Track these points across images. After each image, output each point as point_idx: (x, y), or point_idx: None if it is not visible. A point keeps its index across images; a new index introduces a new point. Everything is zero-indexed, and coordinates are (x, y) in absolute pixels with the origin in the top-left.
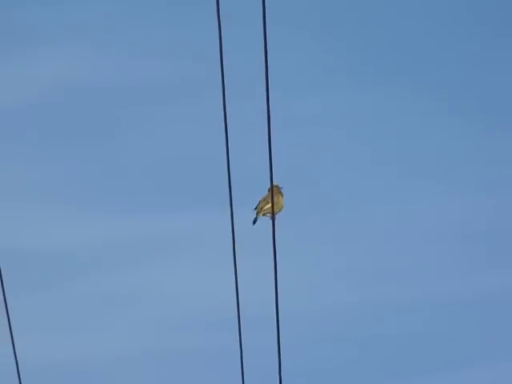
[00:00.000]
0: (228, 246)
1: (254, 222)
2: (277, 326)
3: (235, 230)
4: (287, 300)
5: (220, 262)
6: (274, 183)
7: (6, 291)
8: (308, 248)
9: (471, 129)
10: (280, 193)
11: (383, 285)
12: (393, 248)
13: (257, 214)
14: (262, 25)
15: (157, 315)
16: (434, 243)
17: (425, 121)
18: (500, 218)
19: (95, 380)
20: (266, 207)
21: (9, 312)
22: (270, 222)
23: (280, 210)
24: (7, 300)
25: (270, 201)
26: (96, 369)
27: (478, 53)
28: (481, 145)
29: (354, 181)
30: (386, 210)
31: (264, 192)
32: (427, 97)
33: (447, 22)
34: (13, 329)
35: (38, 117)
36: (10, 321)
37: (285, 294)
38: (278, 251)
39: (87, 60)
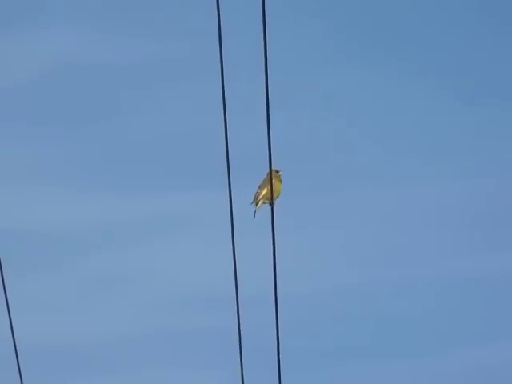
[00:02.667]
0: (227, 225)
1: (254, 214)
2: (275, 306)
3: (234, 210)
4: (286, 280)
5: (219, 242)
6: (274, 168)
7: (4, 272)
8: (307, 228)
9: (472, 108)
10: (278, 178)
11: (384, 265)
12: (393, 228)
13: (256, 204)
14: (261, 4)
15: (156, 295)
16: (435, 223)
17: (425, 101)
18: (502, 197)
19: (95, 360)
20: (262, 193)
21: (7, 293)
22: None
23: (278, 196)
24: (5, 281)
25: (266, 187)
26: (96, 349)
27: (470, 29)
28: (481, 123)
29: (353, 161)
30: (385, 190)
31: (263, 173)
32: (427, 77)
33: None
34: (11, 309)
35: (38, 96)
36: (8, 301)
37: (284, 274)
38: (277, 231)
39: (88, 39)
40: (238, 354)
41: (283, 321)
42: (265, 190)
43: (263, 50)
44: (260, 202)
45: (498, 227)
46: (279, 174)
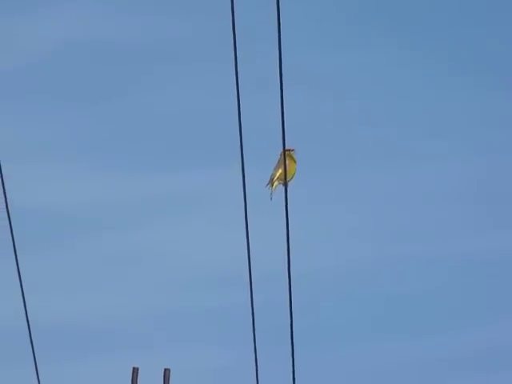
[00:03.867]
0: (240, 204)
1: (271, 197)
2: (289, 284)
3: (247, 189)
4: (299, 258)
5: (232, 221)
6: (287, 147)
7: (17, 249)
8: (320, 207)
9: (476, 89)
10: (292, 158)
11: (395, 243)
12: (404, 207)
13: (271, 185)
14: None
15: (168, 275)
16: (443, 202)
17: (426, 81)
18: (504, 175)
19: (107, 339)
20: (277, 175)
21: (20, 270)
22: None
23: (293, 176)
24: (18, 258)
25: (281, 168)
26: (108, 328)
27: (476, 11)
28: (483, 104)
29: (365, 140)
30: (396, 169)
31: (277, 151)
32: (428, 57)
33: None
34: (24, 287)
35: (50, 76)
36: (22, 279)
37: (297, 252)
38: (289, 209)
39: (98, 19)
40: (252, 331)
41: (296, 299)
42: (279, 171)
43: (277, 31)
44: (275, 183)
45: (503, 205)
46: (292, 152)
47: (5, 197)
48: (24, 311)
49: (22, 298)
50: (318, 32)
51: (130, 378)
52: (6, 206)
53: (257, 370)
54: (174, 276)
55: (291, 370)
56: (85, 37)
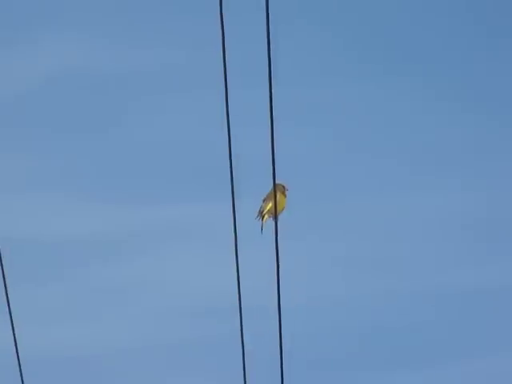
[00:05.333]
0: (230, 236)
1: (262, 230)
2: (278, 316)
3: (237, 221)
4: (289, 291)
5: (222, 253)
6: (280, 183)
7: (7, 281)
8: (308, 239)
9: (471, 119)
10: (283, 193)
11: (385, 276)
12: (393, 240)
13: (261, 218)
14: (265, 15)
15: (158, 306)
16: (434, 234)
17: (423, 112)
18: (501, 210)
19: (97, 371)
20: (267, 208)
21: (10, 303)
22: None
23: (282, 210)
24: (8, 290)
25: (271, 201)
26: (98, 360)
27: (468, 41)
28: (481, 134)
29: (353, 173)
30: (385, 201)
31: (267, 184)
32: (426, 87)
33: (444, 12)
34: (14, 320)
35: (38, 106)
36: (11, 311)
37: (287, 284)
38: (280, 241)
39: (87, 49)
40: (241, 363)
41: (286, 330)
42: (270, 205)
43: (267, 61)
44: (265, 216)
45: (496, 238)
46: (285, 189)
47: None
48: (13, 342)
49: (11, 328)
50: (311, 63)
51: None
52: None
53: None
54: (162, 307)
55: None
56: (71, 68)
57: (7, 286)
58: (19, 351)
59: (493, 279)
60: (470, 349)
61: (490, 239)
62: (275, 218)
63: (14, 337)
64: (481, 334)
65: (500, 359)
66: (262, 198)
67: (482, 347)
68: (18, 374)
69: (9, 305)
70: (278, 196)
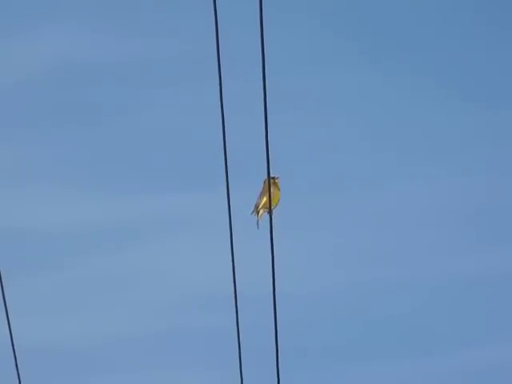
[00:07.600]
0: (225, 226)
1: (258, 225)
2: (274, 306)
3: (232, 210)
4: (285, 280)
5: (218, 243)
6: (272, 175)
7: (3, 272)
8: (302, 229)
9: (467, 108)
10: (276, 185)
11: (382, 266)
12: (387, 229)
13: (257, 214)
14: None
15: (154, 295)
16: (428, 222)
17: (420, 101)
18: (497, 198)
19: (95, 361)
20: (262, 202)
21: (5, 293)
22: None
23: (277, 203)
24: (4, 280)
25: (265, 196)
26: (96, 350)
27: (468, 29)
28: (479, 124)
29: (347, 162)
30: (379, 190)
31: (261, 175)
32: (422, 77)
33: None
34: (9, 310)
35: (35, 96)
36: (6, 301)
37: (282, 274)
38: (275, 233)
39: (85, 39)
40: (237, 353)
41: (281, 320)
42: (264, 199)
43: (260, 50)
44: (261, 211)
45: (490, 225)
46: (277, 180)
47: None
48: (9, 333)
49: (6, 320)
50: (306, 52)
51: None
52: None
53: None
54: (159, 297)
55: None
56: (69, 58)
57: (2, 276)
58: (15, 342)
59: (491, 267)
60: (469, 338)
61: (488, 227)
62: (269, 211)
63: (10, 327)
64: (480, 322)
65: (499, 348)
66: (258, 193)
67: (481, 336)
68: (14, 364)
69: (4, 296)
70: (272, 190)
